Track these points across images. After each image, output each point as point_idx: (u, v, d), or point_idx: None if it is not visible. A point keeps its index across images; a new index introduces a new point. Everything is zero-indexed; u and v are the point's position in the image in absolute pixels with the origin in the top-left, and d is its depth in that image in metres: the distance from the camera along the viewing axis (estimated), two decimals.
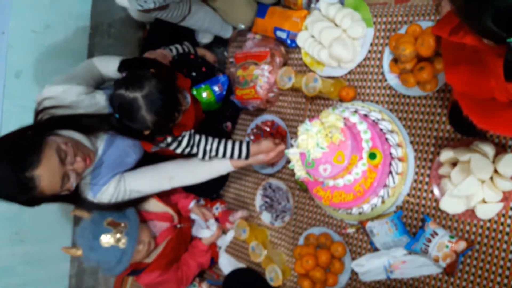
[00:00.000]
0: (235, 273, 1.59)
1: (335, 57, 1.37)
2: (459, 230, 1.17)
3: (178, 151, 1.39)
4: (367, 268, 1.28)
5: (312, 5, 1.51)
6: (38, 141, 1.15)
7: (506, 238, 1.10)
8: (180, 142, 1.38)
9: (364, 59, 1.37)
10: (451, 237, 1.13)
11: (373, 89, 1.35)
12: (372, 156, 1.12)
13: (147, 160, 1.51)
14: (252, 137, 1.65)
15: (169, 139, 1.36)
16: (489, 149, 1.07)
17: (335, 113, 1.15)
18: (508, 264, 1.10)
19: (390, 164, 1.19)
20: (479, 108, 0.80)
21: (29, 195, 1.14)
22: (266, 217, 1.61)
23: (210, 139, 1.42)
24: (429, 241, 1.15)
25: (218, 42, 1.83)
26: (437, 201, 1.20)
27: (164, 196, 1.59)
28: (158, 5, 1.31)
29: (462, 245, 1.12)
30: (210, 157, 1.42)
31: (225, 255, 1.70)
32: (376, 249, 1.31)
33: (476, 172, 1.06)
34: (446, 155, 1.14)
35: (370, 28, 1.34)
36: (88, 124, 1.30)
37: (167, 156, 1.51)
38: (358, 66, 1.38)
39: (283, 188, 1.57)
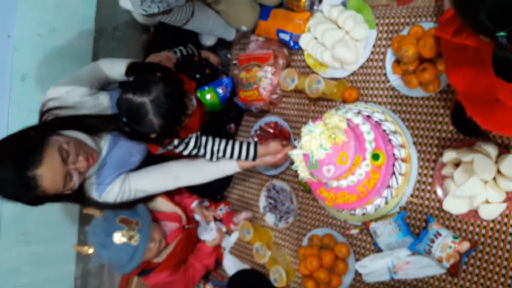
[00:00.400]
0: (240, 274, 1.60)
1: (338, 59, 1.37)
2: (463, 231, 1.17)
3: (185, 153, 1.40)
4: (371, 269, 1.28)
5: (315, 7, 1.52)
6: (40, 141, 1.16)
7: (509, 238, 1.10)
8: (187, 144, 1.39)
9: (367, 61, 1.37)
10: (455, 237, 1.14)
11: (376, 90, 1.36)
12: (375, 157, 1.13)
13: (152, 159, 1.53)
14: (255, 139, 1.66)
15: (176, 142, 1.37)
16: (492, 150, 1.07)
17: (338, 114, 1.15)
18: None
19: (393, 165, 1.20)
20: (482, 108, 0.80)
21: (31, 194, 1.15)
22: (270, 218, 1.62)
23: (217, 140, 1.43)
24: (433, 241, 1.15)
25: (222, 45, 1.84)
26: (440, 201, 1.21)
27: (169, 195, 1.60)
28: (162, 10, 1.33)
29: (465, 245, 1.12)
30: (217, 158, 1.43)
31: (229, 256, 1.71)
32: (379, 250, 1.31)
33: (479, 172, 1.06)
34: (449, 155, 1.15)
35: (372, 30, 1.35)
36: (91, 124, 1.32)
37: (172, 156, 1.53)
38: (361, 67, 1.39)
39: (287, 189, 1.57)
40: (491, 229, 1.13)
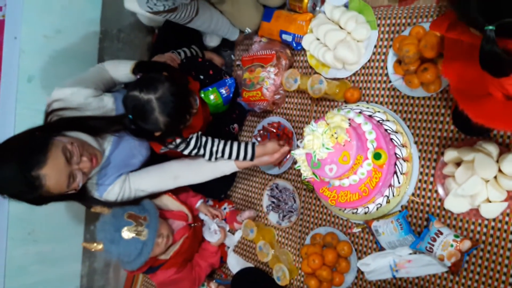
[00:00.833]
0: (243, 272, 1.61)
1: (340, 59, 1.39)
2: (464, 229, 1.18)
3: (186, 152, 1.42)
4: (373, 267, 1.29)
5: (317, 8, 1.53)
6: (44, 141, 1.18)
7: (511, 237, 1.11)
8: (188, 144, 1.41)
9: (369, 61, 1.38)
10: (456, 236, 1.14)
11: (378, 90, 1.37)
12: (377, 156, 1.14)
13: (152, 159, 1.55)
14: (258, 139, 1.67)
15: (178, 141, 1.39)
16: (493, 149, 1.08)
17: (340, 114, 1.16)
18: None
19: (395, 164, 1.21)
20: (474, 102, 0.81)
21: (35, 194, 1.17)
22: (273, 217, 1.63)
23: (216, 140, 1.44)
24: (434, 240, 1.16)
25: (225, 46, 1.85)
26: (441, 200, 1.21)
27: (174, 194, 1.62)
28: (167, 8, 1.34)
29: (466, 244, 1.13)
30: (216, 158, 1.45)
31: (233, 254, 1.72)
32: (381, 249, 1.32)
33: (480, 171, 1.07)
34: (450, 155, 1.16)
35: (374, 30, 1.36)
36: (95, 125, 1.34)
37: (172, 156, 1.54)
38: (363, 67, 1.40)
39: (289, 188, 1.59)
40: (492, 227, 1.14)
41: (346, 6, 1.42)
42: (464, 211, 1.14)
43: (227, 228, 1.73)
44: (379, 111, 1.28)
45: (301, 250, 1.49)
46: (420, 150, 1.27)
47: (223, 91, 1.60)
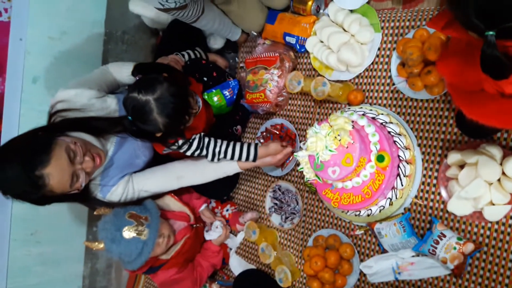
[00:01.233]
0: (245, 274, 1.61)
1: (343, 62, 1.39)
2: (467, 232, 1.18)
3: (188, 153, 1.43)
4: (376, 270, 1.29)
5: (321, 11, 1.54)
6: (48, 141, 1.19)
7: None
8: (190, 145, 1.41)
9: (372, 63, 1.39)
10: (459, 239, 1.14)
11: (381, 92, 1.37)
12: (380, 158, 1.14)
13: (155, 160, 1.56)
14: (262, 140, 1.68)
15: (180, 142, 1.39)
16: (497, 152, 1.08)
17: (343, 116, 1.16)
18: None
19: (398, 166, 1.21)
20: (469, 99, 0.82)
21: (39, 193, 1.18)
22: (275, 219, 1.63)
23: (219, 141, 1.45)
24: (437, 242, 1.16)
25: (229, 48, 1.86)
26: (444, 203, 1.21)
27: (177, 195, 1.62)
28: (178, 5, 1.35)
29: (470, 247, 1.13)
30: (218, 159, 1.45)
31: (235, 256, 1.72)
32: (384, 251, 1.32)
33: (483, 174, 1.07)
34: (454, 157, 1.16)
35: (378, 33, 1.36)
36: (98, 126, 1.34)
37: (176, 157, 1.55)
38: (366, 70, 1.40)
39: (292, 190, 1.59)
40: (496, 230, 1.14)
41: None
42: (467, 213, 1.14)
43: (229, 230, 1.73)
44: (382, 114, 1.29)
45: (303, 252, 1.49)
46: (423, 153, 1.27)
47: (226, 93, 1.61)
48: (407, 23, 1.32)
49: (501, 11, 0.64)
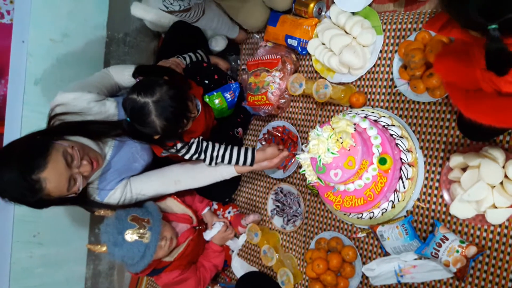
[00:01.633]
0: (247, 276, 1.61)
1: (345, 64, 1.39)
2: (470, 235, 1.18)
3: (187, 157, 1.43)
4: (378, 272, 1.29)
5: (323, 13, 1.54)
6: (45, 145, 1.20)
7: None
8: (189, 149, 1.42)
9: (374, 66, 1.39)
10: (462, 242, 1.14)
11: (383, 95, 1.37)
12: (382, 161, 1.14)
13: (154, 163, 1.56)
14: (263, 142, 1.68)
15: (179, 145, 1.40)
16: (499, 154, 1.08)
17: (345, 119, 1.16)
18: None
19: (400, 169, 1.21)
20: (465, 98, 0.82)
21: (36, 197, 1.18)
22: (277, 221, 1.63)
23: (217, 146, 1.45)
24: (440, 245, 1.16)
25: (231, 50, 1.86)
26: (447, 206, 1.21)
27: (180, 197, 1.62)
28: (182, 8, 1.37)
29: (472, 250, 1.13)
30: (216, 163, 1.46)
31: (237, 258, 1.72)
32: (386, 254, 1.32)
33: (486, 177, 1.07)
34: (456, 160, 1.15)
35: (379, 36, 1.36)
36: (96, 130, 1.35)
37: (174, 160, 1.55)
38: (368, 72, 1.40)
39: (294, 192, 1.59)
40: (498, 233, 1.13)
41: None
42: (470, 216, 1.14)
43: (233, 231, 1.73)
44: (384, 116, 1.28)
45: (305, 254, 1.49)
46: (425, 155, 1.27)
47: (228, 95, 1.61)
48: (409, 26, 1.32)
49: (501, 1, 0.63)
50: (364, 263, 1.37)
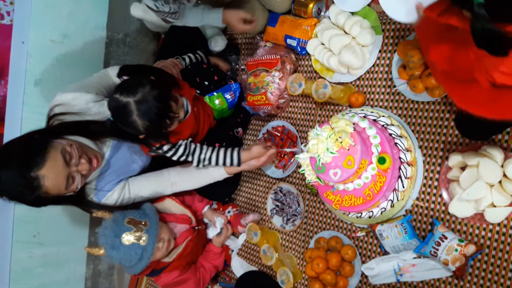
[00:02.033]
0: (247, 275, 1.62)
1: (344, 64, 1.39)
2: (468, 234, 1.18)
3: (174, 158, 1.45)
4: (377, 271, 1.30)
5: (322, 14, 1.55)
6: (43, 143, 1.20)
7: None
8: (176, 150, 1.44)
9: (373, 66, 1.39)
10: (460, 240, 1.15)
11: (382, 94, 1.38)
12: (381, 160, 1.14)
13: (154, 164, 1.58)
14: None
15: (166, 147, 1.41)
16: (498, 153, 1.08)
17: (344, 118, 1.17)
18: None
19: (399, 168, 1.21)
20: (459, 87, 0.82)
21: (34, 195, 1.19)
22: (277, 221, 1.64)
23: (204, 148, 1.48)
24: (438, 244, 1.16)
25: (230, 50, 1.87)
26: (446, 205, 1.22)
27: (179, 197, 1.63)
28: (172, 11, 1.41)
29: (471, 248, 1.13)
30: (204, 165, 1.48)
31: (237, 258, 1.73)
32: (385, 253, 1.32)
33: (484, 176, 1.07)
34: (455, 159, 1.16)
35: (379, 35, 1.37)
36: (94, 130, 1.36)
37: (173, 162, 1.56)
38: (367, 72, 1.41)
39: (293, 192, 1.59)
40: (497, 232, 1.14)
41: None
42: (469, 215, 1.14)
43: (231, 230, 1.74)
44: (383, 116, 1.29)
45: (305, 253, 1.49)
46: (424, 155, 1.27)
47: (228, 96, 1.62)
48: (408, 26, 1.32)
49: None
50: (363, 262, 1.38)
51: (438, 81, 0.90)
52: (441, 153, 1.24)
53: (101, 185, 1.41)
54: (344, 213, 1.37)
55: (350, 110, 1.40)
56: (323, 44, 1.47)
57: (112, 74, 1.52)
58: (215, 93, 1.59)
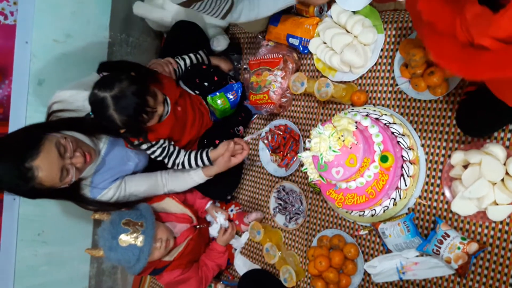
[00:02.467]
0: (250, 274, 1.62)
1: (346, 63, 1.40)
2: (471, 232, 1.18)
3: (153, 156, 1.50)
4: (380, 270, 1.30)
5: (324, 13, 1.55)
6: (38, 136, 1.23)
7: None
8: (154, 151, 1.47)
9: (375, 64, 1.39)
10: (463, 238, 1.15)
11: (384, 93, 1.38)
12: (384, 159, 1.15)
13: (154, 164, 1.60)
14: (265, 141, 1.69)
15: (145, 146, 1.45)
16: (500, 151, 1.08)
17: (347, 117, 1.17)
18: None
19: (402, 166, 1.21)
20: (439, 41, 0.82)
21: (28, 186, 1.21)
22: (280, 219, 1.64)
23: (182, 152, 1.52)
24: (441, 242, 1.16)
25: (233, 50, 1.87)
26: (448, 203, 1.22)
27: (180, 197, 1.64)
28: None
29: (474, 246, 1.13)
30: (178, 168, 1.53)
31: (240, 256, 1.73)
32: (388, 251, 1.33)
33: (487, 174, 1.07)
34: (457, 157, 1.16)
35: (380, 34, 1.37)
36: (90, 126, 1.38)
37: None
38: (369, 71, 1.41)
39: (296, 190, 1.60)
40: (500, 230, 1.14)
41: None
42: (471, 213, 1.15)
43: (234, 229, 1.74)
44: (386, 114, 1.29)
45: (308, 252, 1.50)
46: (427, 153, 1.27)
47: (230, 96, 1.62)
48: (410, 24, 1.33)
49: None
50: (366, 260, 1.38)
51: (420, 35, 0.91)
52: (443, 151, 1.24)
53: (97, 182, 1.43)
54: (346, 212, 1.38)
55: (353, 109, 1.40)
56: (325, 43, 1.48)
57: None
58: (217, 93, 1.60)
